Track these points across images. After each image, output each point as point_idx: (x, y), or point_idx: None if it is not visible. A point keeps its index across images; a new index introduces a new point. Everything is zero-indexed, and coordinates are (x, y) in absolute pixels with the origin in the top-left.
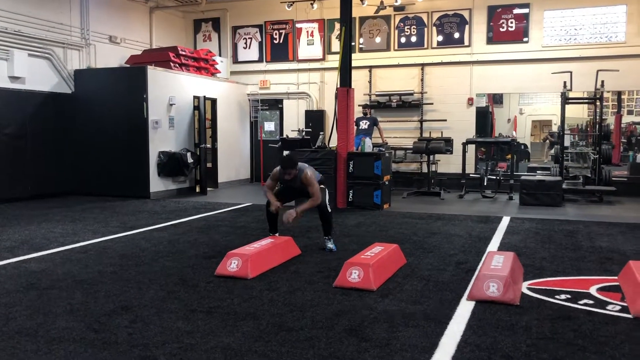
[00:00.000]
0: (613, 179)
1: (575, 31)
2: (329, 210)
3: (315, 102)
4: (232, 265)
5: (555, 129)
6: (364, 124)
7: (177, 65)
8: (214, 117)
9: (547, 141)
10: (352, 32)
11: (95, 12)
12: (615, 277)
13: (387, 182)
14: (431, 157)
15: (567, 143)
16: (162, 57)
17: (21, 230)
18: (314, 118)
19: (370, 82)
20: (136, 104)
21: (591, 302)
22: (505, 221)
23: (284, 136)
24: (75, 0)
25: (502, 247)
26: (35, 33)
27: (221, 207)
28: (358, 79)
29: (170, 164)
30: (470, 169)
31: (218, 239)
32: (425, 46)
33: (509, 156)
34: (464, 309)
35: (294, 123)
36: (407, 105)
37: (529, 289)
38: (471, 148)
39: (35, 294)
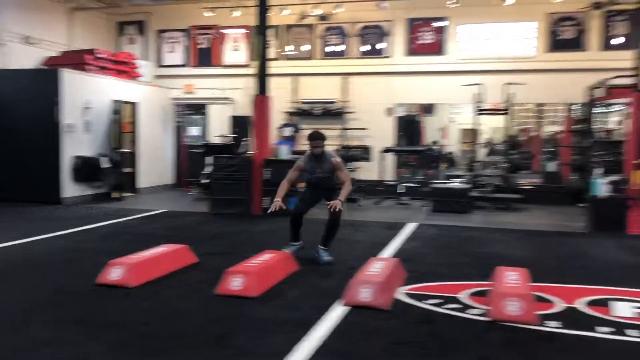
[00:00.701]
0: (525, 187)
1: (489, 45)
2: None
3: (240, 107)
4: (113, 273)
5: (488, 137)
6: (288, 131)
7: (95, 67)
8: (135, 121)
9: (486, 148)
10: (276, 40)
11: (8, 11)
12: (491, 282)
13: (303, 189)
14: (351, 164)
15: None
16: (79, 60)
17: None
18: (239, 123)
19: (295, 89)
20: (48, 107)
21: (458, 306)
22: (410, 227)
23: (207, 141)
24: None
25: (398, 252)
26: None
27: (134, 214)
28: (283, 86)
29: (85, 169)
30: (390, 176)
31: (119, 246)
32: (348, 56)
33: (445, 165)
34: (336, 314)
35: (219, 128)
36: (331, 113)
37: (406, 294)
38: (390, 156)
39: None
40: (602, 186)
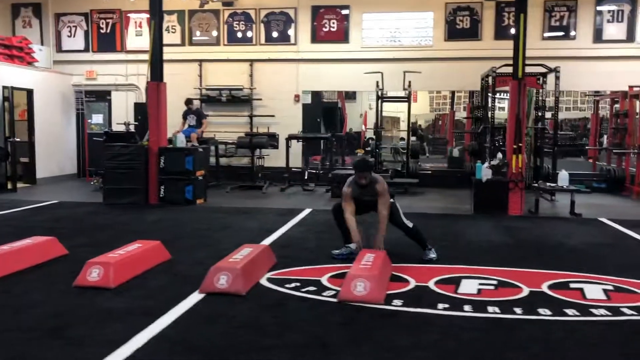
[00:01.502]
0: (427, 171)
1: (390, 34)
2: (410, 225)
3: (145, 94)
4: None
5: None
6: (191, 120)
7: None
8: (30, 108)
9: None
10: (181, 25)
11: None
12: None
13: (200, 177)
14: (258, 151)
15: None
16: None
17: None
18: (144, 111)
19: (200, 76)
20: None
21: (314, 288)
22: (304, 213)
23: (108, 129)
24: None
25: (281, 238)
26: None
27: (23, 205)
28: (188, 72)
29: None
30: (297, 162)
31: None
32: (254, 42)
33: (360, 151)
34: (188, 303)
35: (123, 115)
36: (238, 100)
37: (268, 279)
38: (298, 143)
39: None
40: (484, 170)
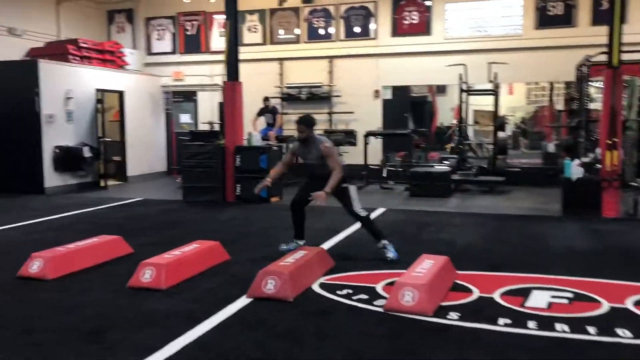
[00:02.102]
0: (515, 168)
1: (475, 24)
2: (363, 214)
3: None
4: (33, 267)
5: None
6: (269, 118)
7: (77, 57)
8: (122, 109)
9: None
10: (262, 24)
11: None
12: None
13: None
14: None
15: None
16: (60, 50)
17: None
18: None
19: (281, 74)
20: (28, 99)
21: (365, 297)
22: (376, 213)
23: (192, 129)
24: None
25: (345, 240)
26: None
27: (108, 202)
28: (269, 71)
29: (66, 159)
30: (378, 160)
31: (67, 238)
32: (334, 39)
33: (448, 146)
34: (234, 307)
35: (209, 115)
36: (317, 97)
37: (321, 284)
38: (378, 140)
39: None
40: (574, 167)
